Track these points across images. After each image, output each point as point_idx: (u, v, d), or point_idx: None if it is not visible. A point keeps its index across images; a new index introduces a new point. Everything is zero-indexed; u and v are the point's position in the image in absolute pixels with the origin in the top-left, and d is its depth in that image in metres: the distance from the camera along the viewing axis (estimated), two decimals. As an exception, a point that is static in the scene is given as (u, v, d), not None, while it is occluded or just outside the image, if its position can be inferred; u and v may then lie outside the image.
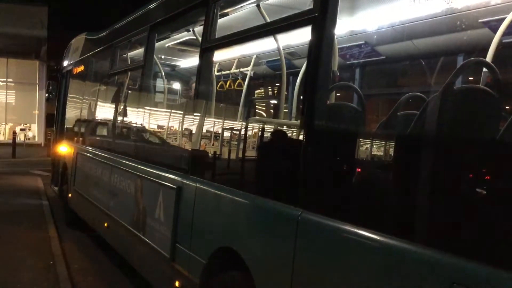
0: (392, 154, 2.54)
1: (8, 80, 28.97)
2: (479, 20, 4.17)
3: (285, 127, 4.11)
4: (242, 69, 7.37)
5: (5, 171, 16.11)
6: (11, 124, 28.65)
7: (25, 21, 24.63)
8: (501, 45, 3.12)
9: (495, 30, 3.37)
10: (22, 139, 26.82)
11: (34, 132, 29.47)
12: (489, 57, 3.04)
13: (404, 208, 2.21)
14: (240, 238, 3.39)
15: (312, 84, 2.81)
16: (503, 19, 3.20)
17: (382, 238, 2.19)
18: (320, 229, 2.59)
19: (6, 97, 29.14)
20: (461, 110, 2.24)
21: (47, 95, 12.93)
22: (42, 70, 28.83)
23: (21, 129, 28.11)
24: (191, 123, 4.69)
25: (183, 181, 4.27)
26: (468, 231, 1.94)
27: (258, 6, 4.49)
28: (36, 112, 29.20)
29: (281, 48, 4.75)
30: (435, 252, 1.97)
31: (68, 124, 10.51)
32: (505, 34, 3.19)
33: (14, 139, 22.27)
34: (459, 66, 2.64)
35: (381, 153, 2.70)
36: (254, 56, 6.92)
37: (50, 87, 12.65)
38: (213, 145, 4.49)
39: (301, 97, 3.08)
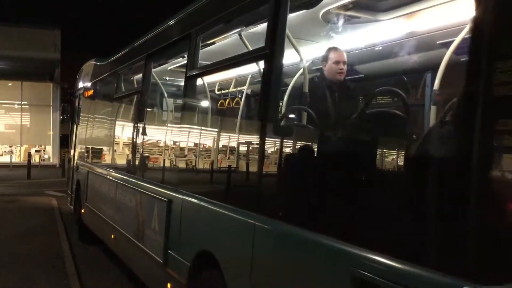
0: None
1: (23, 102, 29.33)
2: (437, 42, 4.65)
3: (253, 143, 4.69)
4: (236, 89, 7.82)
5: (20, 192, 16.30)
6: (26, 146, 29.00)
7: (39, 44, 25.20)
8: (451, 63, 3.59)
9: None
10: (37, 160, 27.15)
11: (48, 153, 29.83)
12: (439, 73, 3.51)
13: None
14: (214, 242, 3.97)
15: (265, 107, 3.42)
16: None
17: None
18: (272, 231, 3.14)
19: (21, 119, 29.54)
20: (374, 129, 2.77)
21: (61, 117, 13.55)
22: (56, 92, 29.13)
23: (36, 151, 28.43)
24: (178, 144, 5.29)
25: (172, 194, 4.84)
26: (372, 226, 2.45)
27: (240, 35, 5.02)
28: (51, 133, 29.57)
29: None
30: (337, 243, 2.50)
31: (81, 144, 11.13)
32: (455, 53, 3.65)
33: (29, 160, 22.59)
34: (373, 93, 3.20)
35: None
36: (250, 75, 7.40)
37: (65, 110, 13.28)
38: (200, 160, 5.07)
39: (258, 116, 3.66)
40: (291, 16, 3.62)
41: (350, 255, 2.38)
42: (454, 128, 1.98)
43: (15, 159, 27.88)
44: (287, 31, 3.58)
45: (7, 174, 22.99)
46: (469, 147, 1.80)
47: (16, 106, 29.60)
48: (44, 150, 29.86)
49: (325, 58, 4.26)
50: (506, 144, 1.76)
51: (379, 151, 2.59)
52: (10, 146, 29.60)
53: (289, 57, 4.41)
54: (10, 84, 29.17)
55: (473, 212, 1.82)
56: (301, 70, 4.30)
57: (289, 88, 4.58)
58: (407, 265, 2.07)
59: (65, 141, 20.29)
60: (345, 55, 4.21)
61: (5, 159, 27.42)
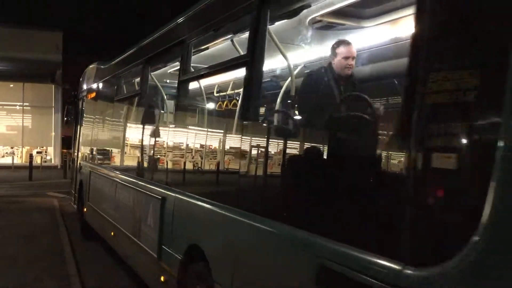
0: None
1: (25, 104, 29.46)
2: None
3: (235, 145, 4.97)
4: (234, 91, 8.02)
5: (22, 194, 16.36)
6: (28, 147, 29.13)
7: (41, 46, 25.24)
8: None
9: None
10: (39, 162, 27.26)
11: (50, 154, 29.95)
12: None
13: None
14: (201, 236, 4.25)
15: (247, 109, 3.73)
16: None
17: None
18: (251, 225, 3.39)
19: (23, 120, 29.67)
20: (343, 131, 3.05)
21: (65, 118, 13.82)
22: (57, 94, 29.23)
23: (37, 152, 28.59)
24: (173, 145, 5.60)
25: (166, 192, 5.12)
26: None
27: (232, 41, 5.25)
28: (52, 134, 29.72)
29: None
30: (308, 234, 2.76)
31: (83, 145, 11.44)
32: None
33: (30, 162, 22.70)
34: (343, 97, 3.57)
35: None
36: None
37: (68, 112, 13.56)
38: (191, 163, 5.36)
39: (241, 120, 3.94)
40: (280, 23, 3.90)
41: (317, 245, 2.67)
42: (396, 129, 2.25)
43: (17, 161, 27.93)
44: (275, 37, 3.87)
45: (8, 175, 23.06)
46: (405, 146, 2.08)
47: (17, 107, 29.72)
48: (45, 152, 29.96)
49: (334, 53, 4.08)
50: (436, 145, 2.00)
51: (343, 149, 2.85)
52: (12, 148, 29.70)
53: (278, 62, 4.73)
54: (11, 85, 29.23)
55: (408, 205, 2.10)
56: (290, 75, 4.54)
57: (282, 91, 4.88)
58: (362, 253, 2.33)
59: (67, 143, 20.37)
60: (354, 50, 4.07)
61: (7, 160, 27.51)
